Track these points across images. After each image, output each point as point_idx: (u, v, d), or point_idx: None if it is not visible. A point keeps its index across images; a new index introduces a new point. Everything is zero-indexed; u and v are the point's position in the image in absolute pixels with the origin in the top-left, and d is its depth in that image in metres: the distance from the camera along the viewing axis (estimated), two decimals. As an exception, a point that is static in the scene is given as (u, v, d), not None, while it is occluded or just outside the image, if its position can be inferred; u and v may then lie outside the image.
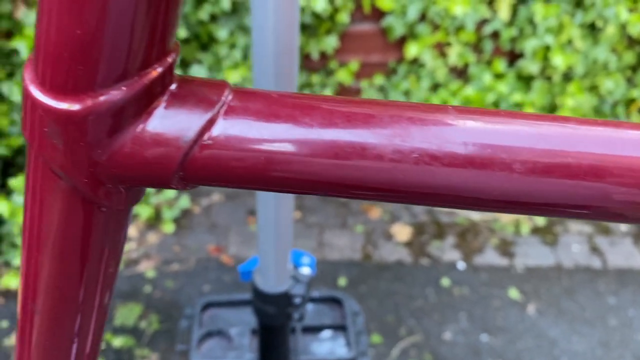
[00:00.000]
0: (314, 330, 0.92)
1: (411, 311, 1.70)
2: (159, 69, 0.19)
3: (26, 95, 0.20)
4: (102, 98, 0.18)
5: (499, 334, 1.66)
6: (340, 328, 0.93)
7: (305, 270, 0.67)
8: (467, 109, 0.18)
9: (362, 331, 0.92)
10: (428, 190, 0.18)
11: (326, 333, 0.92)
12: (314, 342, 0.89)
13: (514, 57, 1.79)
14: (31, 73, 0.20)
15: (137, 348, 1.56)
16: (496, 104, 1.78)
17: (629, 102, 1.82)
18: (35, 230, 0.22)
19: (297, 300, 0.65)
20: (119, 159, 0.19)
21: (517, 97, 1.75)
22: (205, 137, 0.19)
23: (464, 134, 0.18)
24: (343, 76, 1.79)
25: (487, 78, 1.75)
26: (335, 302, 1.00)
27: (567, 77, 1.75)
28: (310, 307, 0.97)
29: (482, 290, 1.78)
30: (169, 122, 0.19)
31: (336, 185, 0.18)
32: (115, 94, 0.18)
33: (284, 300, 0.65)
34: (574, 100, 1.72)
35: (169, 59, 0.19)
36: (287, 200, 0.59)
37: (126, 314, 1.67)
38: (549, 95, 1.76)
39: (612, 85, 1.72)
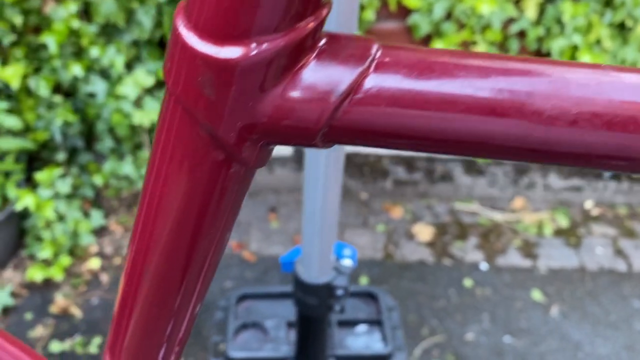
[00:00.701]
0: (350, 324, 0.91)
1: (433, 311, 1.69)
2: (313, 23, 0.18)
3: (177, 41, 0.19)
4: (260, 47, 0.18)
5: (522, 336, 1.65)
6: (375, 323, 0.92)
7: (347, 262, 0.66)
8: (621, 68, 0.18)
9: (397, 326, 0.91)
10: (583, 150, 0.17)
11: (362, 327, 0.92)
12: (350, 337, 0.88)
13: (540, 56, 1.77)
14: (184, 18, 0.19)
15: (159, 343, 1.57)
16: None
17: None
18: (161, 179, 0.21)
19: (340, 292, 0.65)
20: (269, 112, 0.19)
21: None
22: (357, 91, 0.18)
23: (625, 92, 0.17)
24: (367, 74, 1.78)
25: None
26: (370, 297, 0.99)
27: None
28: (345, 301, 0.97)
29: (504, 292, 1.77)
30: (320, 76, 0.19)
31: (491, 145, 0.18)
32: (272, 44, 0.18)
33: (326, 291, 0.64)
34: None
35: (323, 13, 0.19)
36: (334, 189, 0.58)
37: (148, 308, 1.68)
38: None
39: None
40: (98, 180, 1.78)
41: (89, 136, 1.82)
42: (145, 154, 1.76)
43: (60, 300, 1.62)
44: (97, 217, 1.76)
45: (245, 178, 0.22)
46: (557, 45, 1.64)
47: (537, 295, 1.75)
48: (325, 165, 0.54)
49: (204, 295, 0.28)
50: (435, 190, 1.99)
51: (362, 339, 0.86)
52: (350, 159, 2.02)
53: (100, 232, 1.79)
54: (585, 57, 1.61)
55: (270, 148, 0.21)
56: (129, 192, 1.86)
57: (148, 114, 1.62)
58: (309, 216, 0.60)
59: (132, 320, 0.28)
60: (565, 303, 1.75)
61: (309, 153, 0.57)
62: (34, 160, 1.80)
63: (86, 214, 1.77)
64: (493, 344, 1.62)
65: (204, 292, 0.28)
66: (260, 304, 0.97)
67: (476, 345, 1.62)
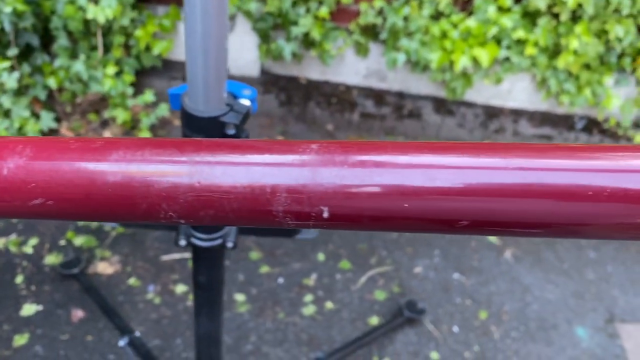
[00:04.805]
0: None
1: (385, 243, 1.65)
2: None
3: None
4: None
5: (472, 275, 1.61)
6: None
7: (245, 102, 0.61)
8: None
9: None
10: None
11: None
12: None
13: (522, -10, 1.69)
14: None
15: (99, 249, 1.52)
16: (498, 38, 1.70)
17: (637, 54, 1.73)
18: None
19: (230, 131, 0.59)
20: None
21: (521, 33, 1.66)
22: None
23: None
24: (341, -6, 1.70)
25: (491, 10, 1.66)
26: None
27: (576, 17, 1.65)
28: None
29: (460, 231, 1.73)
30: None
31: None
32: None
33: (215, 126, 0.59)
34: (579, 42, 1.63)
35: None
36: (220, 10, 0.52)
37: (92, 216, 1.62)
38: (554, 35, 1.67)
39: (621, 32, 1.63)
40: (52, 82, 1.70)
41: (46, 37, 1.73)
42: (98, 55, 1.68)
43: None
44: (47, 119, 1.68)
45: None
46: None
47: (492, 237, 1.72)
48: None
49: None
50: (402, 126, 1.93)
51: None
52: (318, 87, 1.95)
53: (49, 135, 1.72)
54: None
55: None
56: (83, 98, 1.78)
57: (103, 10, 1.53)
58: (191, 34, 0.54)
59: None
60: (520, 248, 1.72)
61: None
62: (-17, 54, 1.71)
63: (36, 115, 1.69)
64: (441, 279, 1.59)
65: None
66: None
67: (424, 278, 1.59)
